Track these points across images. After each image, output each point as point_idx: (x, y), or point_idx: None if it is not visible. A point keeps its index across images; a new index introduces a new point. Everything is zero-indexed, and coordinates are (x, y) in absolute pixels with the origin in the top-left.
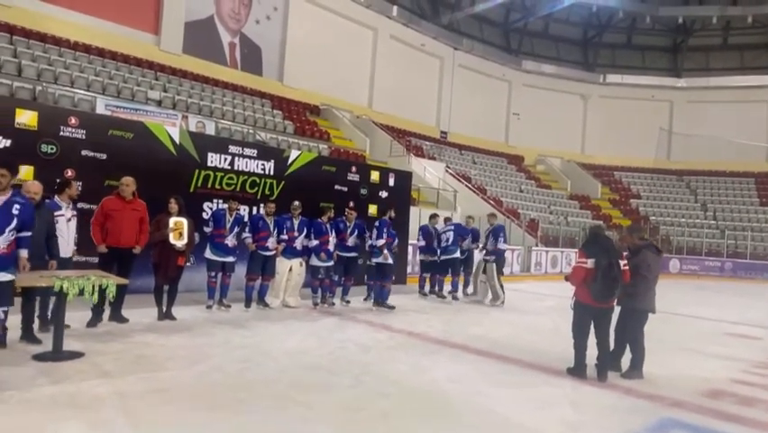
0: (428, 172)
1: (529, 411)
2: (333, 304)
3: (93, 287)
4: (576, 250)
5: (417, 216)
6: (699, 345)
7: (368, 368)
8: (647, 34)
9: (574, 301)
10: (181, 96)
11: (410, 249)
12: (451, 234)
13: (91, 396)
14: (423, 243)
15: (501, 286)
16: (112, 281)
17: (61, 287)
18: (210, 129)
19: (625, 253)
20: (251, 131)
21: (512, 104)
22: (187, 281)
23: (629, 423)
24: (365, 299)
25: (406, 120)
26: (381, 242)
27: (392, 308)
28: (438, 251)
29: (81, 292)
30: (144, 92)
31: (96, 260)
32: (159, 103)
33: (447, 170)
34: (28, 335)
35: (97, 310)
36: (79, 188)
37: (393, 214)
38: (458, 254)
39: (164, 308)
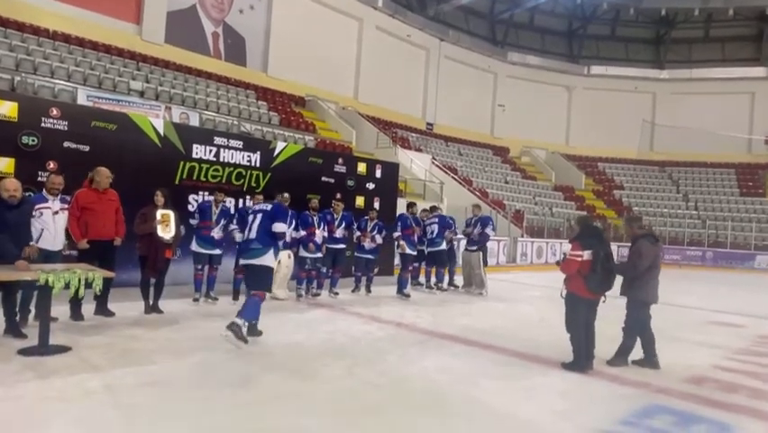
0: (414, 164)
1: (519, 401)
2: (319, 295)
3: (79, 280)
4: (562, 241)
5: (404, 208)
6: (682, 333)
7: (358, 359)
8: (631, 26)
9: (567, 294)
10: (164, 87)
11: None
12: (435, 227)
13: (80, 390)
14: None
15: (485, 275)
16: (98, 275)
17: (47, 280)
18: (194, 120)
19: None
20: (235, 122)
21: (497, 95)
22: (174, 274)
23: (616, 410)
24: (353, 291)
25: (391, 111)
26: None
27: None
28: (425, 242)
29: (67, 286)
30: (126, 83)
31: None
32: (141, 94)
33: (433, 162)
34: (13, 329)
35: (76, 303)
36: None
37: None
38: (444, 246)
39: (151, 302)
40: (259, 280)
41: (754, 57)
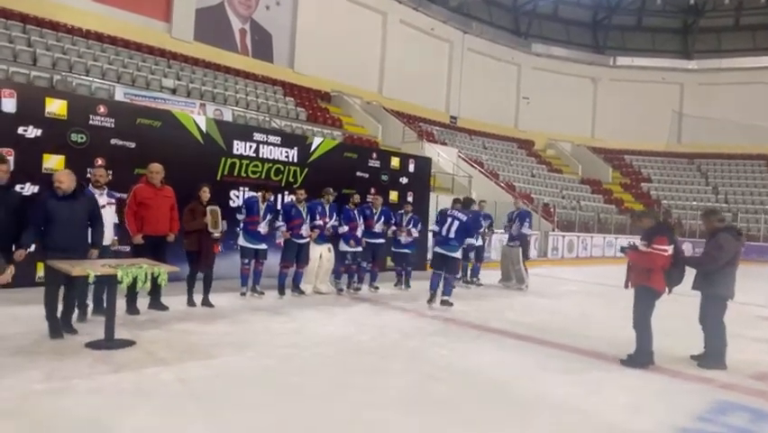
0: (441, 158)
1: (584, 396)
2: (359, 289)
3: (146, 275)
4: (593, 235)
5: (435, 202)
6: (734, 328)
7: (414, 354)
8: (657, 16)
9: (641, 288)
10: (195, 84)
11: (429, 235)
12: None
13: (155, 383)
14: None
15: (526, 270)
16: (163, 270)
17: (116, 275)
18: (227, 117)
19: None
20: (266, 118)
21: (521, 87)
22: (216, 268)
23: (687, 406)
24: (395, 285)
25: (415, 105)
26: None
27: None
28: None
29: (134, 280)
30: (158, 80)
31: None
32: (173, 91)
33: (459, 156)
34: (65, 324)
35: (132, 298)
36: (110, 176)
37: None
38: (479, 242)
39: (201, 296)
40: (452, 267)
41: None
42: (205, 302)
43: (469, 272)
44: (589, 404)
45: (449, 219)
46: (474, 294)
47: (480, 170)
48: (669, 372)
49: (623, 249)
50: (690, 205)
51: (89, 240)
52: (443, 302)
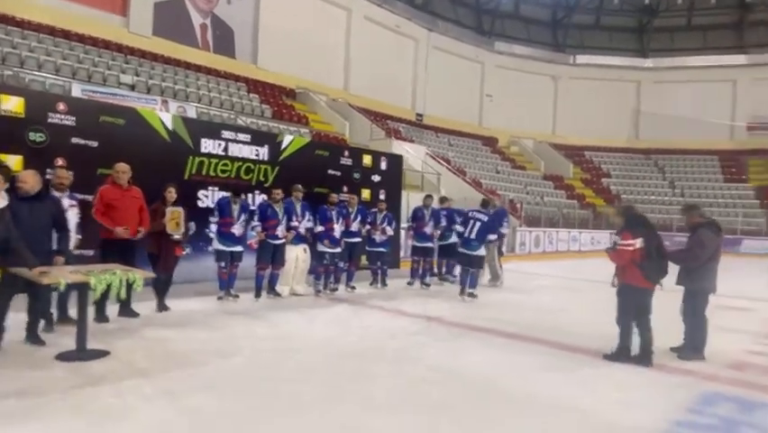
0: (410, 155)
1: (576, 393)
2: (336, 290)
3: (120, 282)
4: (558, 229)
5: (406, 200)
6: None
7: (402, 355)
8: (614, 15)
9: (622, 285)
10: (154, 81)
11: (402, 233)
12: (444, 220)
13: (139, 396)
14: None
15: (501, 267)
16: (138, 275)
17: (88, 283)
18: (191, 114)
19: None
20: (231, 116)
21: (485, 85)
22: (186, 273)
23: (676, 398)
24: (371, 285)
25: (382, 103)
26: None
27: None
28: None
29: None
30: (116, 76)
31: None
32: (132, 87)
33: (428, 153)
34: (32, 336)
35: (101, 305)
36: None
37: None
38: (454, 239)
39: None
40: (476, 263)
41: (736, 45)
42: (162, 306)
43: (444, 270)
44: (582, 402)
45: (471, 221)
46: (451, 292)
47: (447, 168)
48: (654, 365)
49: (606, 251)
50: (648, 199)
51: (54, 246)
52: (470, 294)
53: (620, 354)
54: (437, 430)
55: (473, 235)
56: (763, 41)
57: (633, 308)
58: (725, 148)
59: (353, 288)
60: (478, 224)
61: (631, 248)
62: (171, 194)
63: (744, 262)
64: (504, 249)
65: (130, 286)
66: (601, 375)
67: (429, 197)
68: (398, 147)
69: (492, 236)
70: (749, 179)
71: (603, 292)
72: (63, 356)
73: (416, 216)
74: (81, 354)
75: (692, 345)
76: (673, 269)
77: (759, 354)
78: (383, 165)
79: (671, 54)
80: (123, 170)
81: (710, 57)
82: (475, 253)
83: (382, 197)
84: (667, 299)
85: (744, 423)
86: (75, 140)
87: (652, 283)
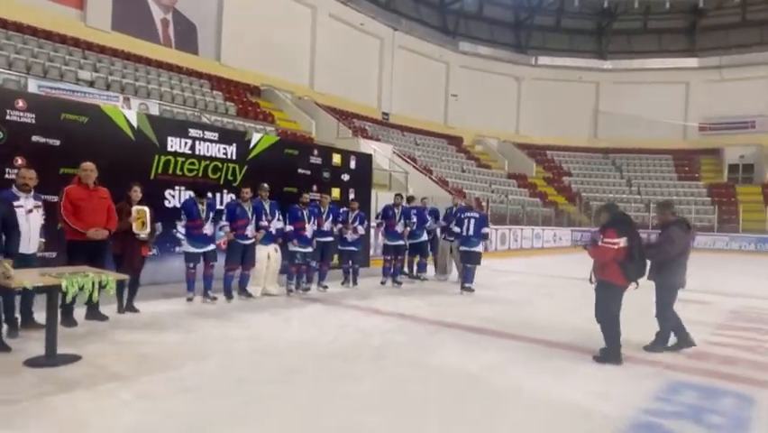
0: (377, 154)
1: (553, 386)
2: (308, 289)
3: (93, 284)
4: (522, 227)
5: (375, 199)
6: None
7: (381, 353)
8: (574, 17)
9: (601, 282)
10: (114, 77)
11: (372, 231)
12: (415, 219)
13: (116, 401)
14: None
15: (449, 263)
16: (111, 277)
17: (60, 286)
18: (154, 111)
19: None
20: (195, 113)
21: (450, 85)
22: (151, 273)
23: (645, 388)
24: (342, 284)
25: (348, 101)
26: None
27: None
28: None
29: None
30: (74, 72)
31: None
32: (91, 83)
33: (395, 152)
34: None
35: (68, 309)
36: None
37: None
38: (424, 237)
39: (124, 302)
40: (475, 259)
41: (688, 48)
42: (130, 308)
43: (415, 268)
44: (559, 394)
45: (466, 220)
46: (421, 289)
47: (414, 166)
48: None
49: (585, 247)
50: (607, 197)
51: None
52: (467, 288)
53: (611, 353)
54: (422, 428)
55: (471, 232)
56: (714, 45)
57: (614, 305)
58: (678, 147)
59: (326, 287)
60: (472, 221)
61: (615, 246)
62: (136, 193)
63: (697, 257)
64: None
65: (102, 288)
66: (575, 368)
67: (399, 195)
68: (365, 146)
69: (486, 229)
70: (701, 178)
71: (570, 288)
72: (32, 362)
73: (387, 215)
74: (51, 359)
75: (660, 338)
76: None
77: (718, 344)
78: (352, 164)
79: (628, 56)
80: (89, 168)
81: (665, 60)
82: (474, 249)
83: (352, 196)
84: (635, 294)
85: (707, 409)
86: (35, 138)
87: (629, 282)
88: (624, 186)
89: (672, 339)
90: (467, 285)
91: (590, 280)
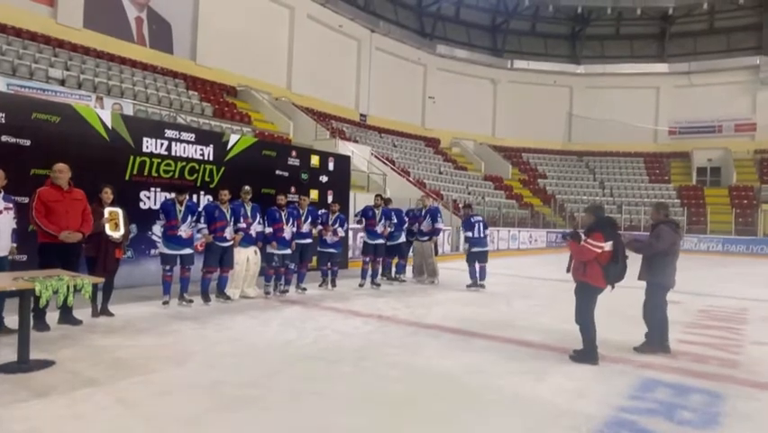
0: (355, 156)
1: (532, 385)
2: (287, 291)
3: (67, 288)
4: (499, 228)
5: (353, 201)
6: (632, 311)
7: (361, 354)
8: (549, 22)
9: (580, 284)
10: (87, 75)
11: (351, 233)
12: (395, 219)
13: (92, 406)
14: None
15: (436, 264)
16: (87, 281)
17: (33, 290)
18: (128, 111)
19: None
20: (171, 113)
21: (427, 87)
22: (126, 276)
23: (619, 386)
24: (320, 286)
25: (325, 102)
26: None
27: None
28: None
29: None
30: (44, 70)
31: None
32: (62, 82)
33: (373, 154)
34: None
35: (40, 313)
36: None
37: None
38: (403, 239)
39: (99, 305)
40: (486, 257)
41: (658, 54)
42: (104, 311)
43: (393, 269)
44: (537, 393)
45: (476, 224)
46: (399, 291)
47: (392, 168)
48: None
49: (564, 236)
50: (580, 199)
51: None
52: (481, 285)
53: (588, 354)
54: (402, 428)
55: (481, 234)
56: (683, 51)
57: (592, 306)
58: (649, 151)
59: (304, 289)
60: (480, 224)
61: (599, 250)
62: (107, 195)
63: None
64: (443, 248)
65: (77, 292)
66: (553, 367)
67: (379, 196)
68: (343, 147)
69: (487, 231)
70: (671, 180)
71: (546, 288)
72: (4, 368)
73: (367, 215)
74: (24, 365)
75: (650, 340)
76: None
77: (689, 342)
78: (331, 166)
79: (601, 61)
80: (60, 169)
81: (636, 65)
82: (486, 248)
83: (330, 197)
84: (607, 295)
85: (680, 406)
86: (5, 138)
87: (608, 284)
88: (597, 188)
89: (642, 339)
90: (481, 282)
91: (567, 269)
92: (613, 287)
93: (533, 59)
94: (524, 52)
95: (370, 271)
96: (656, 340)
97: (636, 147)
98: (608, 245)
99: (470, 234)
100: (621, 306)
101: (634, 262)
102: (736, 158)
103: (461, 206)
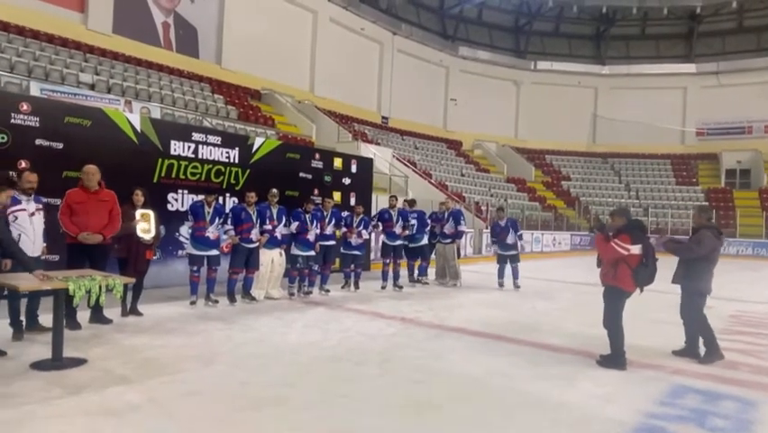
0: (377, 158)
1: (559, 390)
2: (311, 293)
3: (99, 287)
4: (522, 232)
5: (375, 203)
6: (661, 315)
7: (385, 356)
8: (573, 23)
9: (609, 288)
10: (116, 80)
11: (373, 235)
12: (416, 222)
13: (123, 404)
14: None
15: (459, 267)
16: (118, 281)
17: (67, 289)
18: (155, 115)
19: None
20: (197, 117)
21: (449, 89)
22: (154, 277)
23: (648, 392)
24: (343, 287)
25: (347, 105)
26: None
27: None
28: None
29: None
30: (75, 75)
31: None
32: (92, 87)
33: (394, 156)
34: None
35: (71, 312)
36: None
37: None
38: (425, 241)
39: (128, 305)
40: (517, 258)
41: (685, 54)
42: (134, 311)
43: (416, 272)
44: (564, 398)
45: (508, 230)
46: (422, 293)
47: (414, 170)
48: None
49: (592, 229)
50: (605, 201)
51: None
52: (516, 285)
53: (615, 359)
54: (428, 431)
55: (512, 240)
56: (710, 51)
57: (621, 309)
58: (676, 152)
59: (328, 291)
60: (511, 229)
61: (624, 252)
62: (138, 197)
63: None
64: (465, 251)
65: (108, 292)
66: (580, 372)
67: (394, 197)
68: (365, 150)
69: (521, 232)
70: (699, 182)
71: (570, 292)
72: (39, 365)
73: (383, 218)
74: (57, 362)
75: (709, 348)
76: (670, 270)
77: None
78: (353, 168)
79: (626, 62)
80: (92, 171)
81: (662, 65)
82: (516, 252)
83: (353, 199)
84: (637, 299)
85: (711, 413)
86: (39, 141)
87: (636, 287)
88: (622, 190)
89: (682, 344)
90: (517, 283)
91: (597, 264)
92: (642, 290)
93: (556, 60)
94: (547, 53)
95: (390, 273)
96: (714, 347)
97: (663, 149)
98: (635, 248)
99: (495, 238)
100: (646, 310)
101: (662, 265)
102: (766, 159)
103: (483, 207)
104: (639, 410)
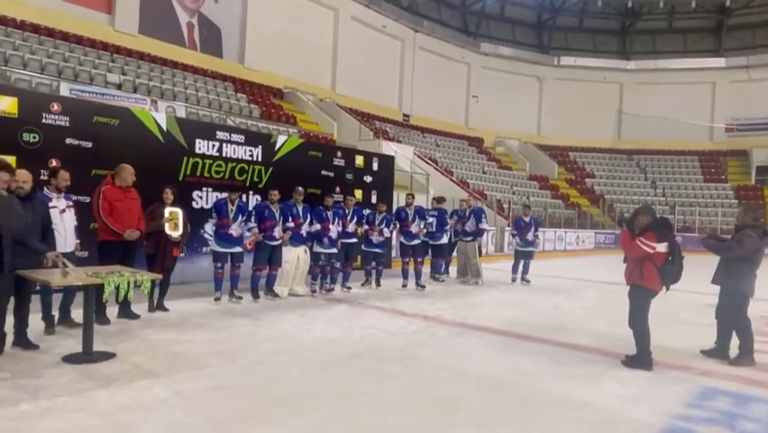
0: (398, 156)
1: (583, 390)
2: (332, 290)
3: (128, 283)
4: (545, 230)
5: (396, 200)
6: (688, 315)
7: (407, 353)
8: (597, 17)
9: (635, 287)
10: (141, 80)
11: (393, 233)
12: (434, 220)
13: (152, 397)
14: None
15: (480, 265)
16: (146, 277)
17: (102, 285)
18: (180, 114)
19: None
20: (221, 115)
21: (471, 86)
22: (180, 273)
23: (676, 394)
24: (363, 285)
25: (368, 103)
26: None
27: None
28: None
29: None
30: (103, 75)
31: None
32: (119, 86)
33: (416, 153)
34: (21, 339)
35: (101, 307)
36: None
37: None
38: (445, 240)
39: (155, 301)
40: (532, 255)
41: (714, 48)
42: (160, 306)
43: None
44: (589, 398)
45: (531, 226)
46: (443, 291)
47: (435, 168)
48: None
49: (620, 222)
50: (631, 199)
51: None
52: (526, 280)
53: (642, 359)
54: (452, 429)
55: (529, 237)
56: (740, 45)
57: (647, 308)
58: (704, 149)
59: (349, 288)
60: (532, 226)
61: (651, 250)
62: (168, 195)
63: None
64: (487, 249)
65: (137, 288)
66: (604, 372)
67: (411, 195)
68: (387, 147)
69: (539, 231)
70: (728, 179)
71: (595, 291)
72: (70, 358)
73: (400, 217)
74: (88, 356)
75: (743, 351)
76: (711, 268)
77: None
78: (375, 166)
79: (652, 56)
80: (130, 170)
81: (690, 60)
82: (532, 248)
83: (374, 197)
84: (662, 299)
85: (740, 416)
86: (69, 140)
87: (663, 286)
88: (648, 188)
89: (711, 345)
90: (527, 277)
91: (624, 260)
92: (668, 288)
93: (580, 55)
94: (571, 49)
95: (411, 272)
96: (749, 352)
97: (691, 145)
98: (661, 246)
99: (516, 233)
100: (672, 310)
101: (688, 264)
102: None
103: (505, 205)
104: (666, 412)
